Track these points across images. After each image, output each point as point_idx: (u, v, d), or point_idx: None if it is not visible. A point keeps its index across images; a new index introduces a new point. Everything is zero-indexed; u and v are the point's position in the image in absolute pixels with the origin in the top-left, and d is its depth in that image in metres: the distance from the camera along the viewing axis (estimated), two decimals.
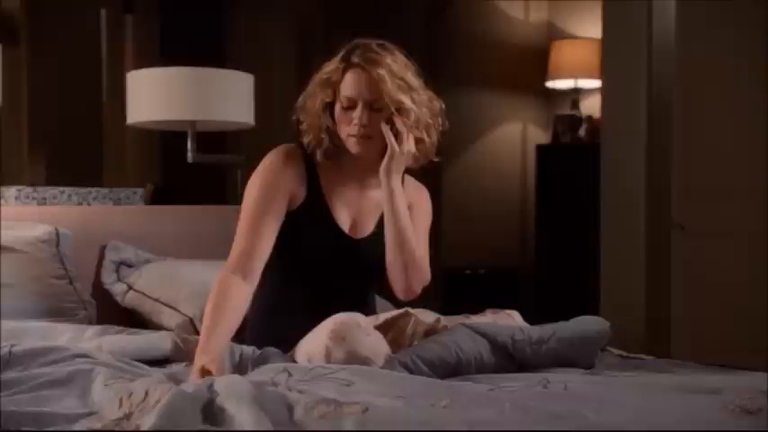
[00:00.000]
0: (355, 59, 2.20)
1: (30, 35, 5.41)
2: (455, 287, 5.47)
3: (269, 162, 2.28)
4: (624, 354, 2.36)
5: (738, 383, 1.83)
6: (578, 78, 5.57)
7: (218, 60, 5.17)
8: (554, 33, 5.90)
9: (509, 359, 2.08)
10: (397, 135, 2.21)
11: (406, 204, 2.27)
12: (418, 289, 2.30)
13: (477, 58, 5.78)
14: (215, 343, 2.04)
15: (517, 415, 1.58)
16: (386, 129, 2.20)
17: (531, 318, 2.36)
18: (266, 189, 2.23)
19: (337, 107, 2.23)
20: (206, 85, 3.19)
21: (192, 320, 2.59)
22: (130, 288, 2.77)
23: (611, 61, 4.51)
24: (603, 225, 4.53)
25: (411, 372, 1.95)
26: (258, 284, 2.20)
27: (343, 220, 2.31)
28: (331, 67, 2.25)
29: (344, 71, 2.21)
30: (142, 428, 1.49)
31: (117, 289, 2.79)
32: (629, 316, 4.39)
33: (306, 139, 2.29)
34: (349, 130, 2.22)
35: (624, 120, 4.44)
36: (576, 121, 5.59)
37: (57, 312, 2.57)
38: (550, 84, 5.75)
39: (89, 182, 3.75)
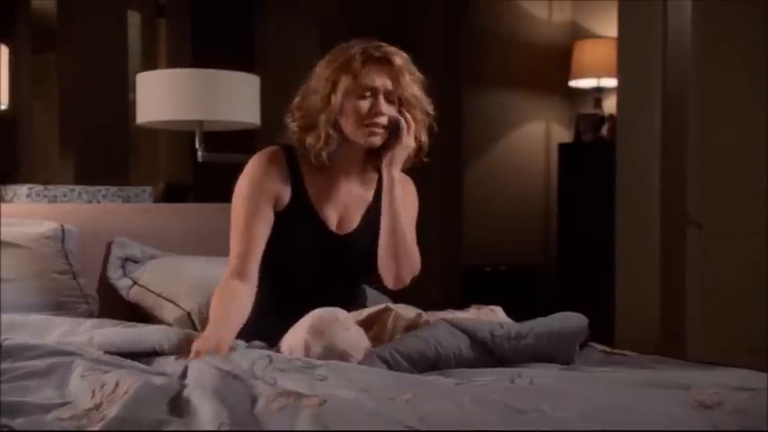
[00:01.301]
0: (376, 53, 2.23)
1: (61, 40, 5.53)
2: (475, 284, 5.49)
3: (252, 166, 2.31)
4: (608, 350, 2.37)
5: (710, 380, 1.83)
6: (601, 77, 5.58)
7: (248, 63, 5.24)
8: (577, 33, 5.91)
9: (489, 354, 2.09)
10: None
11: (402, 194, 2.30)
12: (407, 279, 2.32)
13: (500, 57, 5.80)
14: (224, 337, 2.09)
15: (475, 409, 1.60)
16: (403, 121, 2.25)
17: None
18: (253, 191, 2.27)
19: (347, 100, 2.23)
20: (212, 85, 3.25)
21: (189, 315, 2.64)
22: (135, 283, 2.83)
23: (626, 60, 4.51)
24: (619, 224, 4.52)
25: (390, 366, 1.97)
26: None
27: (330, 217, 2.34)
28: (338, 63, 2.24)
29: (364, 63, 2.22)
30: (107, 419, 1.55)
31: (122, 284, 2.85)
32: (644, 314, 4.37)
33: (308, 140, 2.27)
34: (366, 119, 2.23)
35: (640, 118, 4.43)
36: (598, 119, 5.60)
37: (58, 306, 2.63)
38: (573, 83, 5.76)
39: (116, 180, 3.82)
